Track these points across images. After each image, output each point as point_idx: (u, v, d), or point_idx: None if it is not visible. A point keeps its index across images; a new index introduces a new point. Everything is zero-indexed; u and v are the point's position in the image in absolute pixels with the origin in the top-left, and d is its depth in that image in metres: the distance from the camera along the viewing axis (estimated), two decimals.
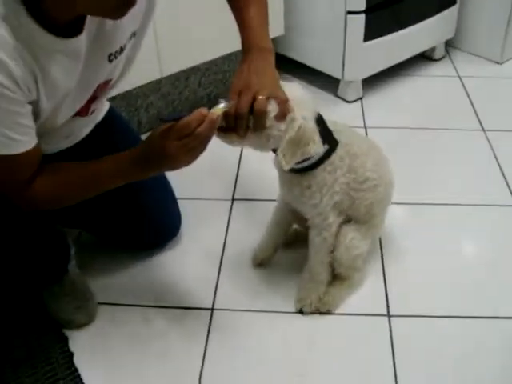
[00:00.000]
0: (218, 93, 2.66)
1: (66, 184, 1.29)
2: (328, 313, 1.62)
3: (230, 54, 2.57)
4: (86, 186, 1.32)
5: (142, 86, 2.35)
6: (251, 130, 1.27)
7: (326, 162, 1.42)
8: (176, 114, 1.15)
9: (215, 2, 2.14)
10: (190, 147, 1.17)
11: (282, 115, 1.28)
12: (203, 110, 1.16)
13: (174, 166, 1.25)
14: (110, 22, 1.18)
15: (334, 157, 1.43)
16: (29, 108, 1.11)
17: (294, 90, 1.33)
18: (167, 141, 1.17)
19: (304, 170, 1.43)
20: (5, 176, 1.20)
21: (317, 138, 1.34)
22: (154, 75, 2.27)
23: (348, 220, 1.57)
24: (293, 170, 1.43)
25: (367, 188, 1.52)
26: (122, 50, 1.29)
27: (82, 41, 1.15)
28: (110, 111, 1.72)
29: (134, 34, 1.31)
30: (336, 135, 1.43)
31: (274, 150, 1.38)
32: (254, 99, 1.23)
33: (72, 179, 1.30)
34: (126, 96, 2.33)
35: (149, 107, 2.45)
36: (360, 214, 1.57)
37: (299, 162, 1.38)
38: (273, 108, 1.27)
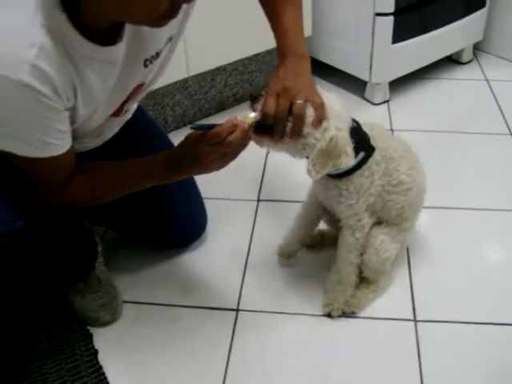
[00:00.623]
0: (243, 93, 2.66)
1: (101, 185, 1.32)
2: (353, 315, 1.61)
3: (256, 55, 2.57)
4: (120, 186, 1.34)
5: (169, 85, 2.35)
6: (288, 134, 1.28)
7: (363, 167, 1.41)
8: (207, 124, 1.18)
9: (243, 2, 2.15)
10: (222, 154, 1.19)
11: (318, 120, 1.28)
12: (234, 120, 1.17)
13: (205, 171, 1.26)
14: (147, 28, 1.18)
15: (371, 162, 1.42)
16: (66, 114, 1.12)
17: (330, 99, 1.33)
18: (200, 146, 1.18)
19: (340, 176, 1.42)
20: (41, 178, 1.22)
21: (349, 150, 1.33)
22: (181, 74, 2.27)
23: (379, 222, 1.57)
24: (329, 175, 1.42)
25: (400, 191, 1.51)
26: (157, 54, 1.29)
27: (120, 49, 1.16)
28: (138, 109, 1.72)
29: (170, 39, 1.32)
30: (372, 141, 1.42)
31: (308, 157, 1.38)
32: (292, 103, 1.24)
33: (106, 180, 1.32)
34: (153, 95, 2.33)
35: (175, 106, 2.45)
36: (391, 216, 1.56)
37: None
38: (310, 114, 1.27)
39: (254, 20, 2.16)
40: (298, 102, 1.25)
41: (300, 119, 1.26)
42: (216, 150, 1.18)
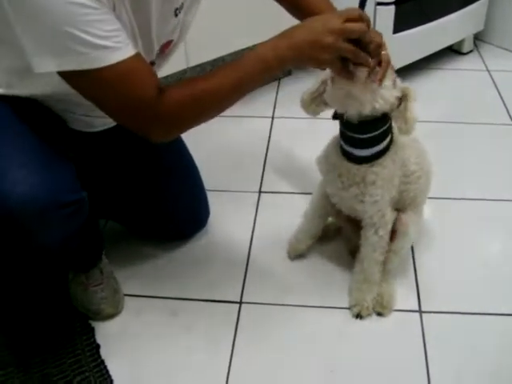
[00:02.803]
0: None
1: (205, 86, 1.19)
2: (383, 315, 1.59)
3: (255, 46, 2.53)
4: (229, 79, 1.20)
5: (168, 76, 2.32)
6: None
7: (391, 148, 1.41)
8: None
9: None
10: (340, 46, 1.16)
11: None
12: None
13: (315, 45, 1.18)
14: None
15: (394, 148, 1.42)
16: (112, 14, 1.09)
17: None
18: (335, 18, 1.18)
19: (376, 157, 1.40)
20: (131, 88, 1.12)
21: None
22: (180, 65, 2.25)
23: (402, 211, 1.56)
24: (364, 160, 1.40)
25: (412, 180, 1.50)
26: (182, 5, 1.28)
27: None
28: None
29: None
30: None
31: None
32: None
33: (211, 79, 1.21)
34: None
35: None
36: (405, 205, 1.55)
37: (373, 146, 1.37)
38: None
39: (255, 10, 2.14)
40: (384, 52, 1.24)
41: (388, 65, 1.26)
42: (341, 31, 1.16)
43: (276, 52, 1.18)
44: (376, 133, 1.35)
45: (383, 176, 1.41)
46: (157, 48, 1.31)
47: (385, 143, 1.39)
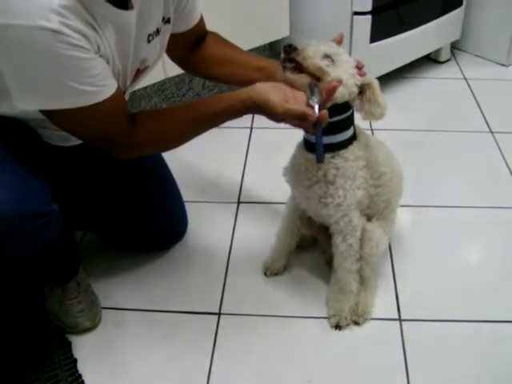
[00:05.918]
0: None
1: (171, 120, 1.30)
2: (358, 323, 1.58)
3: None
4: (194, 120, 1.31)
5: (146, 88, 2.32)
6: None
7: (354, 143, 1.41)
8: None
9: (219, 5, 2.13)
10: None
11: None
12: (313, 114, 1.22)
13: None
14: (147, 2, 1.21)
15: (356, 145, 1.42)
16: (100, 59, 1.13)
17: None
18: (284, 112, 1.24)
19: (338, 147, 1.39)
20: (106, 123, 1.20)
21: None
22: (158, 76, 2.24)
23: (369, 218, 1.55)
24: (326, 148, 1.36)
25: (383, 183, 1.50)
26: (158, 32, 1.30)
27: (132, 16, 1.17)
28: None
29: (168, 20, 1.33)
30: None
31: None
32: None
33: (178, 115, 1.32)
34: (130, 97, 2.30)
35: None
36: (379, 210, 1.55)
37: (336, 132, 1.37)
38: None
39: (231, 21, 2.15)
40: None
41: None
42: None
43: (250, 98, 1.26)
44: (337, 118, 1.34)
45: (344, 171, 1.40)
46: (132, 74, 1.32)
47: (347, 134, 1.38)
